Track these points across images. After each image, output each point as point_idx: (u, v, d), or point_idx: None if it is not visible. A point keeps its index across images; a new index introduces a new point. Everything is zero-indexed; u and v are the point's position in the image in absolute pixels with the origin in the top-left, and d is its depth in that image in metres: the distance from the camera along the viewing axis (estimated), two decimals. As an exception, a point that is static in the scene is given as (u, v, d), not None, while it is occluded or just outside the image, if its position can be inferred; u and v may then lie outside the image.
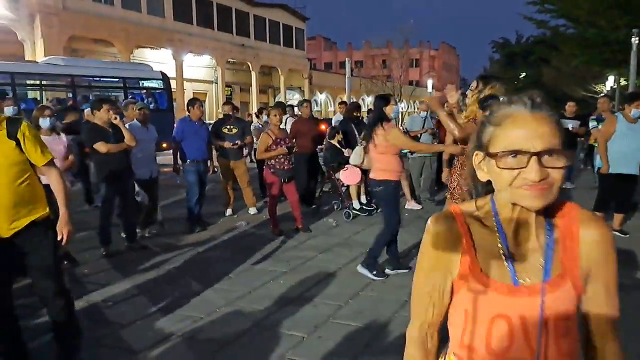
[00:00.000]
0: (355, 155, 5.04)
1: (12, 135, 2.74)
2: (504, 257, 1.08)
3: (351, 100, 14.65)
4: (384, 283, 4.64)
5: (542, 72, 35.59)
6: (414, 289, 1.19)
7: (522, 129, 1.01)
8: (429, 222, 1.15)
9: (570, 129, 9.01)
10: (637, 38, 14.32)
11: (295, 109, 10.65)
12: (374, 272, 4.77)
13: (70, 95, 15.31)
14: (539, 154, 0.98)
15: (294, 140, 6.80)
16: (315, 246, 5.90)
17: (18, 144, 2.75)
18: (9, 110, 6.00)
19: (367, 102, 43.33)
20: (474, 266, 1.09)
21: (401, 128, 8.30)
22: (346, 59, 20.02)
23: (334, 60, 61.67)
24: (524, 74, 42.55)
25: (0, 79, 13.23)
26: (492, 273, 1.08)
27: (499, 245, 1.09)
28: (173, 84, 19.60)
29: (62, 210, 2.98)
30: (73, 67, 15.42)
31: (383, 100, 4.91)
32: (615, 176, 5.91)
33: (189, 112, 6.92)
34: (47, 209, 2.93)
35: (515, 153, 1.00)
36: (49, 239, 2.90)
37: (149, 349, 3.38)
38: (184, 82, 28.11)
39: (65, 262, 5.13)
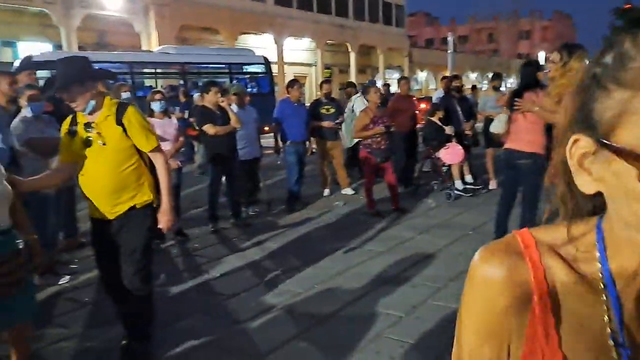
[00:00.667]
0: (499, 123, 4.59)
1: (119, 120, 2.77)
2: (612, 344, 0.59)
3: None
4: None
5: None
6: (462, 345, 0.74)
7: None
8: (476, 257, 0.68)
9: None
10: None
11: (392, 88, 10.49)
12: None
13: (181, 82, 16.33)
14: None
15: (391, 120, 6.70)
16: (414, 227, 5.81)
17: (125, 129, 2.78)
18: (125, 96, 5.99)
19: (471, 78, 41.54)
20: (551, 348, 0.62)
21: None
22: (448, 34, 19.27)
23: (435, 37, 59.58)
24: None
25: (120, 68, 14.41)
26: None
27: (605, 319, 0.60)
28: (274, 68, 20.16)
29: (165, 199, 2.97)
30: (183, 55, 16.40)
31: (531, 65, 4.60)
32: None
33: (288, 93, 7.07)
34: (152, 196, 2.94)
35: None
36: (144, 226, 2.91)
37: (251, 320, 3.56)
38: (285, 65, 28.77)
39: (178, 237, 5.55)
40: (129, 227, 2.88)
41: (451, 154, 7.04)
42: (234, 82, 15.02)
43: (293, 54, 30.63)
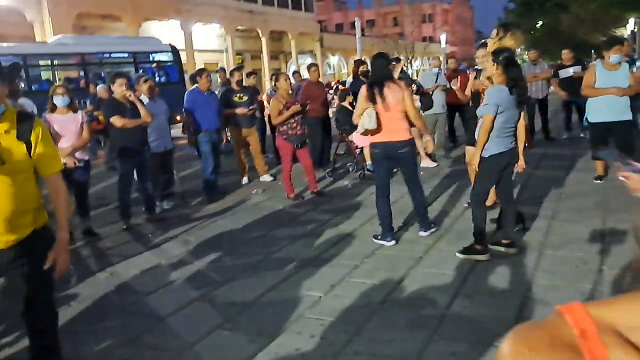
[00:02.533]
0: (369, 119, 4.44)
1: (23, 135, 2.29)
2: None
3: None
4: (398, 242, 4.69)
5: (560, 19, 34.42)
6: None
7: None
8: (505, 352, 0.48)
9: (573, 73, 8.67)
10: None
11: (304, 73, 10.57)
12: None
13: (82, 73, 15.40)
14: None
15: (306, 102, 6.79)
16: (331, 209, 5.97)
17: (29, 147, 2.31)
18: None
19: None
20: None
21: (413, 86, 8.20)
22: (355, 19, 19.64)
23: (344, 21, 60.46)
24: (540, 22, 41.17)
25: (12, 61, 13.34)
26: None
27: None
28: (183, 56, 19.53)
29: (61, 234, 2.47)
30: (83, 45, 15.45)
31: (383, 58, 4.78)
32: (602, 125, 5.83)
33: (197, 83, 6.94)
34: (46, 217, 2.53)
35: None
36: (46, 251, 2.43)
37: (172, 314, 3.51)
38: (195, 52, 27.96)
39: (88, 237, 5.31)
40: (34, 254, 2.41)
41: (363, 137, 7.25)
42: (140, 71, 14.44)
43: (203, 40, 29.82)
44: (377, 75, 4.67)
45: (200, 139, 6.84)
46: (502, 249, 4.17)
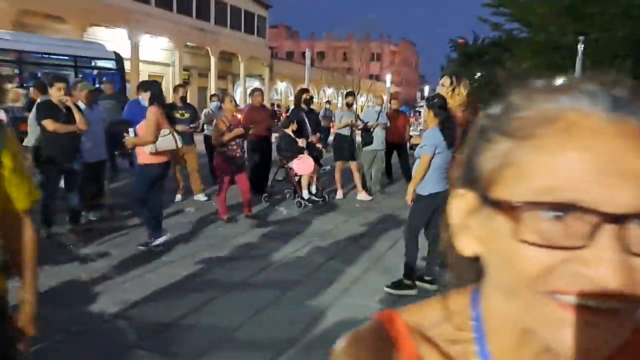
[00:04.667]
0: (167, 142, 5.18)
1: None
2: None
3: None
4: (328, 269, 4.76)
5: (495, 73, 36.67)
6: None
7: (587, 152, 0.41)
8: (338, 349, 0.57)
9: None
10: (582, 45, 14.98)
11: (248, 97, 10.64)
12: None
13: (17, 71, 14.67)
14: (623, 219, 0.39)
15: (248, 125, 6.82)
16: (264, 233, 5.96)
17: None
18: None
19: (328, 93, 43.51)
20: None
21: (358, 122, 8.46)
22: (306, 50, 20.03)
23: (295, 50, 61.41)
24: (479, 74, 43.66)
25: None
26: None
27: None
28: (127, 65, 19.09)
29: (28, 297, 1.77)
30: (21, 42, 14.78)
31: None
32: None
33: (140, 95, 6.81)
34: (2, 283, 1.65)
35: (566, 209, 0.40)
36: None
37: (90, 330, 3.37)
38: (140, 63, 27.39)
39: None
40: None
41: (303, 165, 7.36)
42: (80, 76, 13.94)
43: (149, 52, 29.30)
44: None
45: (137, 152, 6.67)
46: (427, 285, 4.32)
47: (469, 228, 0.49)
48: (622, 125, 0.42)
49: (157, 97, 5.30)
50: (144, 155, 5.11)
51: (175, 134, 5.24)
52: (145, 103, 6.73)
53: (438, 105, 4.12)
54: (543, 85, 0.50)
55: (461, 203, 0.50)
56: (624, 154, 0.41)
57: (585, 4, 17.52)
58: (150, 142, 5.03)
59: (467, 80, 4.50)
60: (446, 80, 4.51)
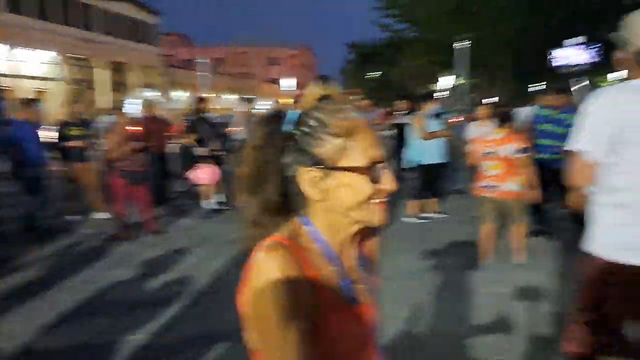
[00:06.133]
0: None
1: None
2: (341, 289, 0.98)
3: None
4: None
5: (390, 72, 38.33)
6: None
7: (371, 135, 0.96)
8: (260, 256, 0.91)
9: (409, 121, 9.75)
10: (460, 44, 16.15)
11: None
12: None
13: None
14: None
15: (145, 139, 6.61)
16: (168, 248, 5.80)
17: None
18: None
19: (230, 99, 43.01)
20: (335, 295, 0.96)
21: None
22: (200, 57, 19.68)
23: (192, 57, 59.89)
24: (375, 74, 45.37)
25: None
26: (344, 299, 0.98)
27: (334, 268, 0.97)
28: (7, 81, 17.63)
29: None
30: None
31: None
32: (431, 166, 6.77)
33: (22, 112, 6.39)
34: None
35: (376, 164, 0.94)
36: None
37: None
38: (23, 79, 25.41)
39: None
40: None
41: (205, 174, 7.27)
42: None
43: (33, 66, 27.28)
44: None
45: (25, 173, 6.24)
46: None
47: (316, 186, 0.93)
48: (367, 120, 0.98)
49: None
50: None
51: None
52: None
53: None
54: (333, 105, 0.97)
55: (311, 175, 0.93)
56: (374, 132, 0.98)
57: (468, 4, 18.89)
58: None
59: (333, 83, 4.75)
60: (311, 85, 4.73)
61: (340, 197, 0.93)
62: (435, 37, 21.31)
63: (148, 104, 8.15)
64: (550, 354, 3.12)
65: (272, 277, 0.86)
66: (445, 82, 28.32)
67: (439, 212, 7.05)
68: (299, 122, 0.94)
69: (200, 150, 7.47)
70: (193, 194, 7.72)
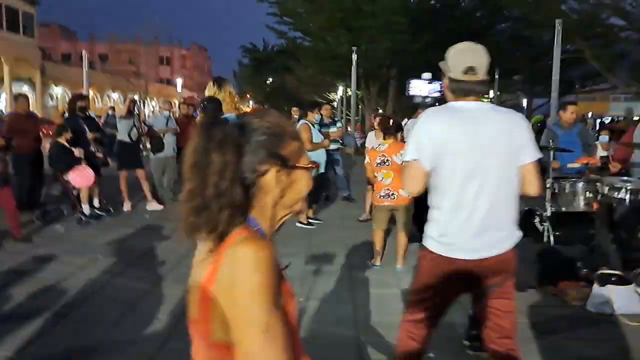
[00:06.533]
0: None
1: None
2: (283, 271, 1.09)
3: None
4: (114, 287, 4.44)
5: (285, 78, 38.62)
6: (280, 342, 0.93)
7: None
8: (258, 252, 0.96)
9: None
10: (355, 54, 16.71)
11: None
12: None
13: None
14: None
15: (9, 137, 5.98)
16: (39, 256, 5.29)
17: None
18: None
19: (114, 98, 40.57)
20: (284, 278, 1.07)
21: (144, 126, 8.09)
22: (83, 51, 18.36)
23: (73, 52, 55.66)
24: (270, 80, 45.47)
25: None
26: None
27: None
28: None
29: None
30: None
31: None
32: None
33: None
34: None
35: (312, 164, 1.13)
36: None
37: None
38: None
39: None
40: None
41: (81, 177, 6.73)
42: None
43: None
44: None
45: None
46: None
47: (279, 183, 1.05)
48: None
49: None
50: None
51: None
52: None
53: (210, 107, 4.25)
54: (274, 114, 1.11)
55: (278, 173, 1.04)
56: None
57: (356, 18, 19.55)
58: None
59: (229, 86, 4.74)
60: (210, 86, 4.69)
61: (294, 191, 1.08)
62: (324, 47, 21.82)
63: (19, 99, 7.40)
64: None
65: (262, 265, 0.94)
66: (339, 92, 29.11)
67: (317, 219, 7.17)
68: (253, 127, 1.03)
69: (75, 151, 6.91)
70: (68, 198, 7.10)
